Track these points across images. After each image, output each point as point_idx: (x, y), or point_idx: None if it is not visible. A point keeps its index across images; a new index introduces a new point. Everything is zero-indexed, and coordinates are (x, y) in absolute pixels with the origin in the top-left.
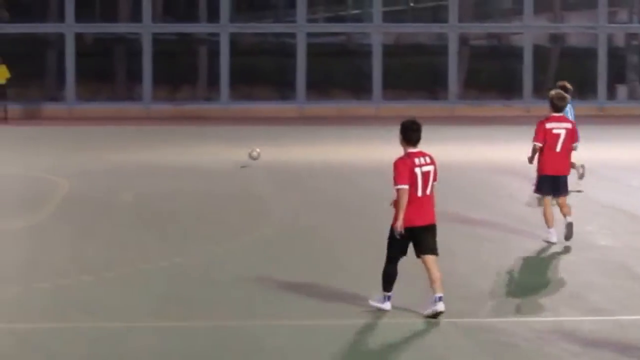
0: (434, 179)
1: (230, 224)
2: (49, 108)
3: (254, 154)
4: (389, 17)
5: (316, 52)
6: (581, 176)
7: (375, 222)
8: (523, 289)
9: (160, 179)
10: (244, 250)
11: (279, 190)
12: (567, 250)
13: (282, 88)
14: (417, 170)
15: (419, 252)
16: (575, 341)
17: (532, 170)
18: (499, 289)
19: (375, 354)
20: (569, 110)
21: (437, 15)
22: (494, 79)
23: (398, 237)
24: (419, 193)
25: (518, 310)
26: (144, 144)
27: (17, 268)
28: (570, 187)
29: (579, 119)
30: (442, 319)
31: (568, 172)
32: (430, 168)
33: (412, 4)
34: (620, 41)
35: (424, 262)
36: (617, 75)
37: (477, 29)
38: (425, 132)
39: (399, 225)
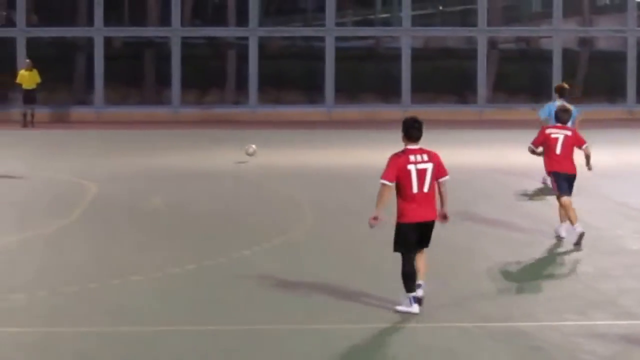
0: (438, 176)
1: (258, 227)
2: (78, 112)
3: (250, 150)
4: (417, 20)
5: (344, 55)
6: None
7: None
8: (552, 293)
9: (188, 182)
10: (272, 254)
11: (306, 194)
12: (598, 254)
13: (310, 92)
14: (412, 167)
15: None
16: (605, 345)
17: None
18: (528, 292)
19: (401, 359)
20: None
21: (466, 18)
22: (523, 83)
23: (370, 227)
24: (414, 190)
25: (547, 314)
26: (173, 148)
27: (46, 272)
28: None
29: (608, 122)
30: (470, 323)
31: (573, 171)
32: (427, 166)
33: (440, 8)
34: None
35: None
36: None
37: (506, 32)
38: (454, 135)
39: (372, 217)
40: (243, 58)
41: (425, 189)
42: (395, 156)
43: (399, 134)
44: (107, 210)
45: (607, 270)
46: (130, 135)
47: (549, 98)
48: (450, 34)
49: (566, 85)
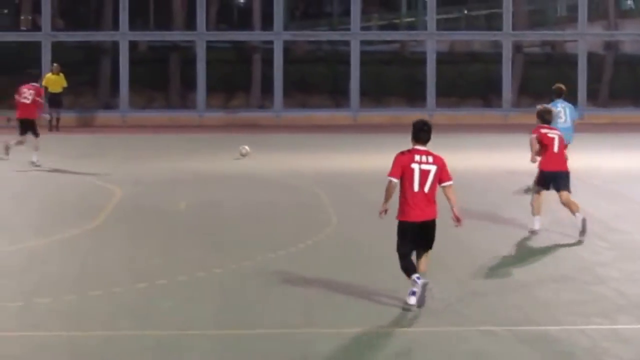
0: (442, 180)
1: (284, 231)
2: (103, 116)
3: (243, 151)
4: (442, 24)
5: (370, 59)
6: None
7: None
8: (579, 297)
9: (213, 186)
10: (298, 257)
11: (331, 198)
12: (624, 259)
13: (336, 96)
14: (415, 166)
15: (415, 246)
16: (632, 350)
17: (592, 177)
18: (554, 296)
19: None
20: (560, 110)
21: (491, 22)
22: (548, 87)
23: (380, 217)
24: (415, 189)
25: (574, 318)
26: (198, 152)
27: (71, 276)
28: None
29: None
30: (497, 327)
31: (567, 169)
32: (431, 167)
33: (466, 12)
34: None
35: (416, 254)
36: None
37: (532, 36)
38: (479, 139)
39: (380, 212)
40: (268, 62)
41: (426, 190)
42: (401, 154)
43: None
44: (132, 214)
45: (633, 274)
46: (155, 140)
47: (574, 102)
48: (475, 38)
49: (563, 87)
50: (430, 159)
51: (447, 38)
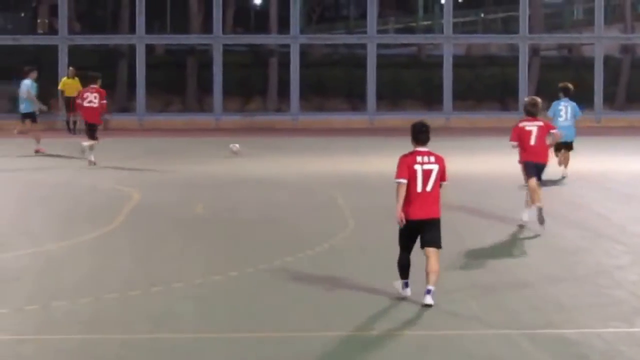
0: (442, 179)
1: (300, 234)
2: (120, 119)
3: (234, 149)
4: (459, 28)
5: (386, 63)
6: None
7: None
8: (595, 300)
9: (229, 190)
10: (315, 261)
11: (348, 201)
12: None
13: (352, 99)
14: (418, 167)
15: (422, 245)
16: None
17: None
18: (572, 299)
19: None
20: (562, 108)
21: (508, 26)
22: None
23: (400, 226)
24: (419, 189)
25: (590, 321)
26: (214, 156)
27: (88, 279)
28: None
29: None
30: (513, 330)
31: (545, 160)
32: (433, 167)
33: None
34: None
35: (426, 254)
36: None
37: (548, 39)
38: (496, 142)
39: (399, 216)
40: (285, 65)
41: (429, 189)
42: (404, 156)
43: (441, 142)
44: (148, 218)
45: None
46: (172, 143)
47: (590, 105)
48: (492, 41)
49: (570, 86)
50: (432, 159)
51: (464, 41)
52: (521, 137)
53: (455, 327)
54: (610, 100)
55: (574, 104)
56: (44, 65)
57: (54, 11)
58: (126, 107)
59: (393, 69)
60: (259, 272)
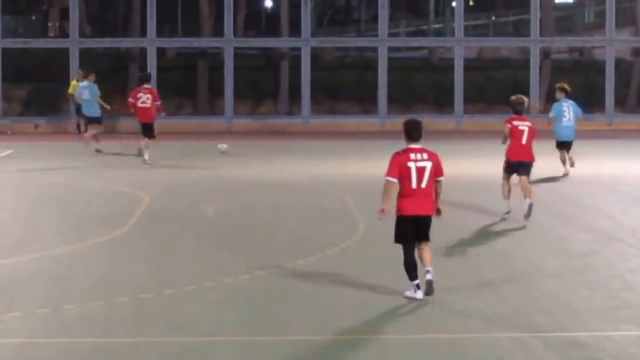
0: (436, 175)
1: (311, 237)
2: (130, 122)
3: (222, 148)
4: (470, 31)
5: (397, 66)
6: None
7: (458, 235)
8: (607, 303)
9: (241, 193)
10: (325, 264)
11: (360, 205)
12: None
13: (363, 102)
14: (412, 164)
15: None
16: None
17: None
18: (583, 302)
19: None
20: (565, 109)
21: (519, 29)
22: (576, 93)
23: (380, 218)
24: (414, 186)
25: (602, 324)
26: (225, 159)
27: (98, 282)
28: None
29: None
30: (525, 334)
31: (532, 159)
32: (426, 164)
33: (493, 18)
34: None
35: (417, 249)
36: None
37: (559, 42)
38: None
39: (383, 212)
40: (296, 69)
41: (423, 185)
42: (397, 154)
43: (452, 145)
44: (160, 221)
45: None
46: (183, 146)
47: (602, 108)
48: (503, 44)
49: (567, 87)
50: (425, 156)
51: (475, 44)
52: (514, 134)
53: (466, 330)
54: (621, 103)
55: (574, 103)
56: (54, 69)
57: (64, 14)
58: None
59: (404, 72)
60: (270, 275)
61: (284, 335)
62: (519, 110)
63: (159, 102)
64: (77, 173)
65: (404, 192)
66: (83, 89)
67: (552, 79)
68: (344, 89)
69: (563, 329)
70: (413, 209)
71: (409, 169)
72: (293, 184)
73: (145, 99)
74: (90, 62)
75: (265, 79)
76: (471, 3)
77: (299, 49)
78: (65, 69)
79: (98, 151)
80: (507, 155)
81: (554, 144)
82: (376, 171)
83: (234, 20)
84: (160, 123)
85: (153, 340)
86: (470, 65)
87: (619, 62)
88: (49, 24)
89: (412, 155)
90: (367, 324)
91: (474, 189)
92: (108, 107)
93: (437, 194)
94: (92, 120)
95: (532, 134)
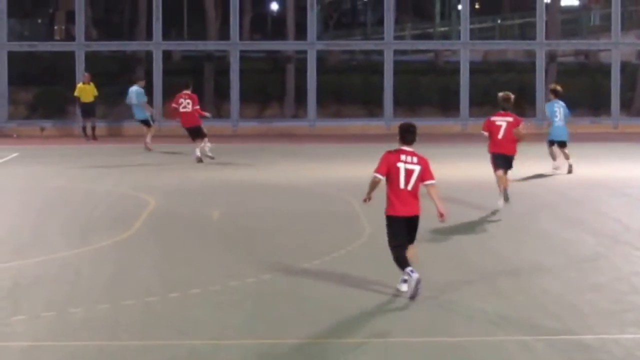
0: (424, 179)
1: (317, 241)
2: (136, 126)
3: (205, 148)
4: (476, 34)
5: (403, 69)
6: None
7: (463, 238)
8: (613, 306)
9: (246, 196)
10: (331, 267)
11: (365, 208)
12: None
13: (369, 106)
14: (401, 165)
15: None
16: None
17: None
18: (589, 305)
19: None
20: (557, 109)
21: (525, 32)
22: (582, 96)
23: (364, 202)
24: (401, 186)
25: (608, 327)
26: (231, 162)
27: (104, 285)
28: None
29: None
30: (530, 337)
31: (511, 152)
32: (415, 167)
33: (499, 21)
34: None
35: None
36: None
37: (565, 45)
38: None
39: (365, 199)
40: (302, 72)
41: (410, 187)
42: (389, 152)
43: (458, 148)
44: (165, 224)
45: None
46: (189, 149)
47: (607, 111)
48: (509, 47)
49: (559, 88)
50: (415, 160)
51: (481, 47)
52: (491, 130)
53: (470, 333)
54: (627, 106)
55: (564, 105)
56: (60, 72)
57: (70, 17)
58: None
59: (410, 75)
60: (276, 279)
61: (289, 338)
62: (505, 107)
63: (198, 107)
64: (83, 176)
65: (393, 191)
66: (131, 94)
67: (558, 82)
68: (349, 92)
69: (569, 332)
70: (401, 210)
71: (398, 169)
72: (299, 187)
73: (185, 103)
74: (96, 66)
75: (271, 82)
76: (477, 6)
77: (305, 52)
78: (71, 72)
79: (148, 149)
80: (489, 149)
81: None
82: None
83: (240, 24)
84: (166, 126)
85: (159, 344)
86: (476, 69)
87: (624, 65)
88: (55, 27)
89: (403, 157)
90: (372, 327)
91: (478, 192)
92: (152, 110)
93: (434, 199)
94: (142, 123)
95: (510, 129)
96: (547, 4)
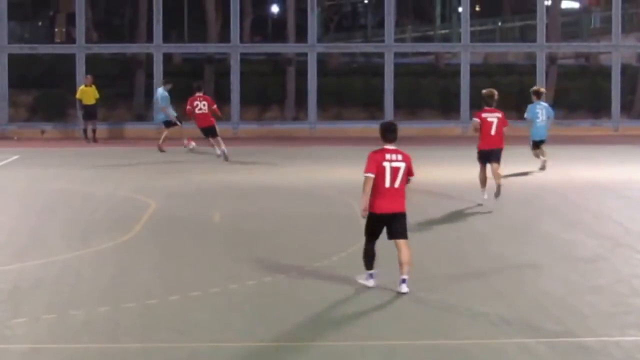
0: (409, 174)
1: (318, 243)
2: (137, 128)
3: (190, 146)
4: (477, 36)
5: (404, 72)
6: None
7: (465, 240)
8: (614, 309)
9: (247, 199)
10: (332, 270)
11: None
12: None
13: (370, 108)
14: (387, 164)
15: (390, 236)
16: None
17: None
18: (590, 307)
19: None
20: (539, 111)
21: (525, 34)
22: (583, 99)
23: (363, 217)
24: (387, 184)
25: (609, 329)
26: (231, 164)
27: (105, 288)
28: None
29: None
30: (532, 339)
31: (502, 146)
32: (400, 165)
33: (500, 24)
34: None
35: (396, 245)
36: None
37: (566, 48)
38: (513, 151)
39: (363, 209)
40: (302, 74)
41: (396, 185)
42: (374, 153)
43: (458, 151)
44: (166, 226)
45: None
46: (189, 152)
47: (608, 114)
48: (509, 50)
49: (542, 90)
50: (400, 157)
51: (482, 50)
52: (483, 127)
53: (472, 335)
54: (627, 109)
55: (547, 106)
56: (61, 75)
57: (71, 20)
58: (143, 116)
59: (410, 77)
60: (276, 281)
61: (290, 340)
62: (490, 104)
63: (214, 107)
64: (83, 179)
65: (377, 190)
66: (157, 95)
67: (559, 84)
68: (350, 95)
69: (569, 334)
70: (385, 207)
71: (384, 168)
72: (299, 190)
73: (201, 105)
74: (97, 68)
75: (271, 85)
76: (477, 9)
77: (306, 54)
78: (71, 74)
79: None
80: (479, 146)
81: (554, 145)
82: None
83: (240, 26)
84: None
85: (159, 346)
86: (476, 71)
87: (625, 68)
88: (56, 30)
89: (388, 156)
90: (373, 329)
91: (478, 194)
92: (174, 114)
93: (410, 193)
94: (168, 125)
95: (502, 124)
96: (547, 7)
